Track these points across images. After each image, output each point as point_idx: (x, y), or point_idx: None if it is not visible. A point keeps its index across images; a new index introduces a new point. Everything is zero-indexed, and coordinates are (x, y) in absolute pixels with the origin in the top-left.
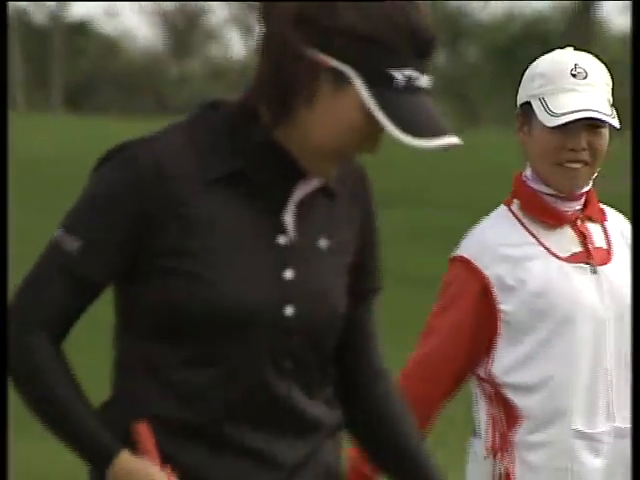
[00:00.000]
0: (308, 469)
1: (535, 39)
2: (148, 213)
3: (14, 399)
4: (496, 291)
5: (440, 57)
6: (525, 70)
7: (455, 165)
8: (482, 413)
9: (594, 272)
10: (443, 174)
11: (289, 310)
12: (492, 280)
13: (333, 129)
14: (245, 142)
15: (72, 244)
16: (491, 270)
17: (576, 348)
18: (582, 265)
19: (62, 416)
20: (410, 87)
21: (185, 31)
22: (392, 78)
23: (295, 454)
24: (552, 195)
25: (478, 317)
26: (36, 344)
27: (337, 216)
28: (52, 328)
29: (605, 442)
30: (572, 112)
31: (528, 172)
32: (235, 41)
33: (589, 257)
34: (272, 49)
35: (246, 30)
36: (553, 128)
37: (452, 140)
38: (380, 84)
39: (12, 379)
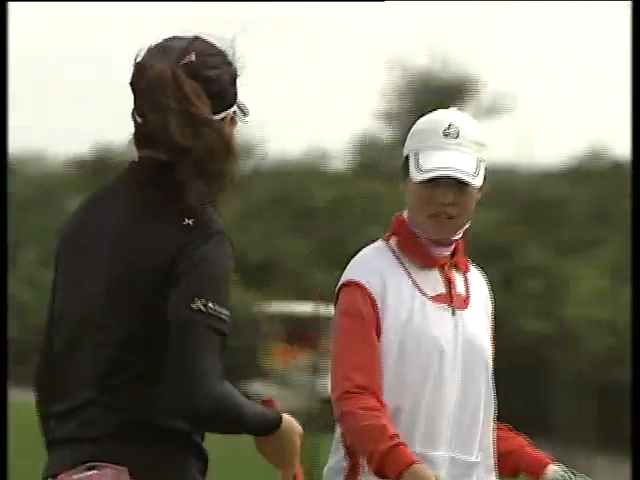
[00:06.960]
0: None
1: None
2: None
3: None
4: (380, 310)
5: None
6: None
7: None
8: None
9: (453, 314)
10: None
11: None
12: (378, 301)
13: None
14: None
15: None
16: (376, 290)
17: (423, 378)
18: (444, 306)
19: None
20: None
21: None
22: None
23: None
24: (426, 239)
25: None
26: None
27: None
28: None
29: (441, 466)
30: (437, 169)
31: (406, 215)
32: None
33: (451, 300)
34: None
35: None
36: (421, 183)
37: None
38: None
39: None
